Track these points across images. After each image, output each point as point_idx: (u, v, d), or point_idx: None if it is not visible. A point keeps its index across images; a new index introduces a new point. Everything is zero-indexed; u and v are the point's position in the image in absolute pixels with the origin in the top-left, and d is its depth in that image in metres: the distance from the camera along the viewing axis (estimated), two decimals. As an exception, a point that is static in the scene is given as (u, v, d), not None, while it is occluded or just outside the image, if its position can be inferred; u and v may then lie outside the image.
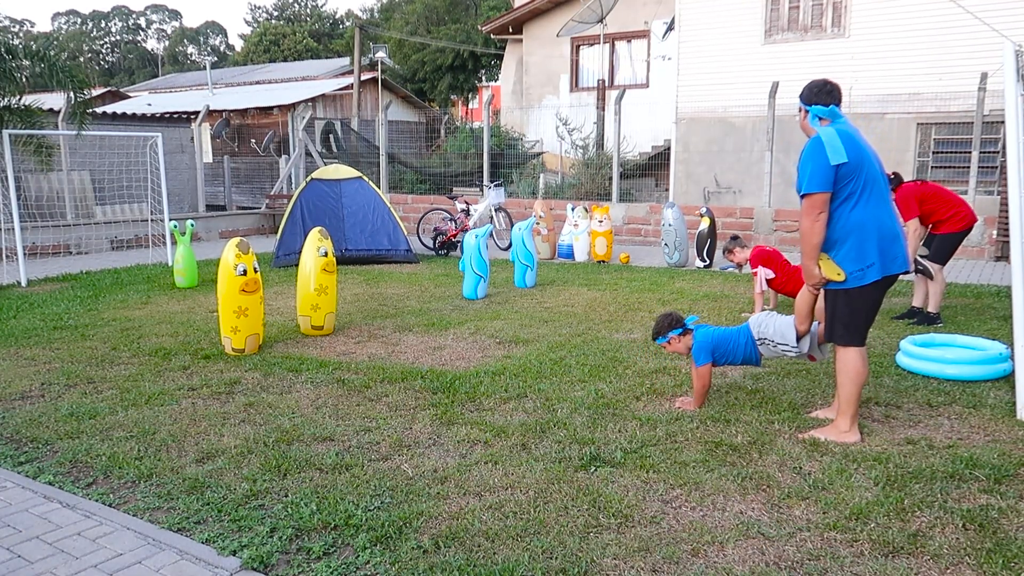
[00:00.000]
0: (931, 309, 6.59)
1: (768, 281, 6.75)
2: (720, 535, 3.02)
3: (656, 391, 4.79)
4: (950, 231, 6.49)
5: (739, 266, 7.35)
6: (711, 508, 3.25)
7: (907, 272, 4.04)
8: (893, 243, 3.82)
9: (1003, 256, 10.33)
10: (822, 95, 3.94)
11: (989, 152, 11.79)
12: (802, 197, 3.83)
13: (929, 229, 6.60)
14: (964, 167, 11.79)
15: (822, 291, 4.00)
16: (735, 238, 7.42)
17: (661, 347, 4.64)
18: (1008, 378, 4.84)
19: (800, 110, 4.06)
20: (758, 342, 4.34)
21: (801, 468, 3.61)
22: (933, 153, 12.77)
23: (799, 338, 4.17)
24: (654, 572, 2.78)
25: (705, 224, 10.12)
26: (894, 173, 6.66)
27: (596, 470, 3.61)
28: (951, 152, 12.55)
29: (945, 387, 4.78)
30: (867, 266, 3.77)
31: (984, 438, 3.98)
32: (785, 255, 7.12)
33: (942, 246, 6.57)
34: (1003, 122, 5.05)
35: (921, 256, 6.58)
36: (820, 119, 3.94)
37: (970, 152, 11.24)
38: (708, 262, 10.08)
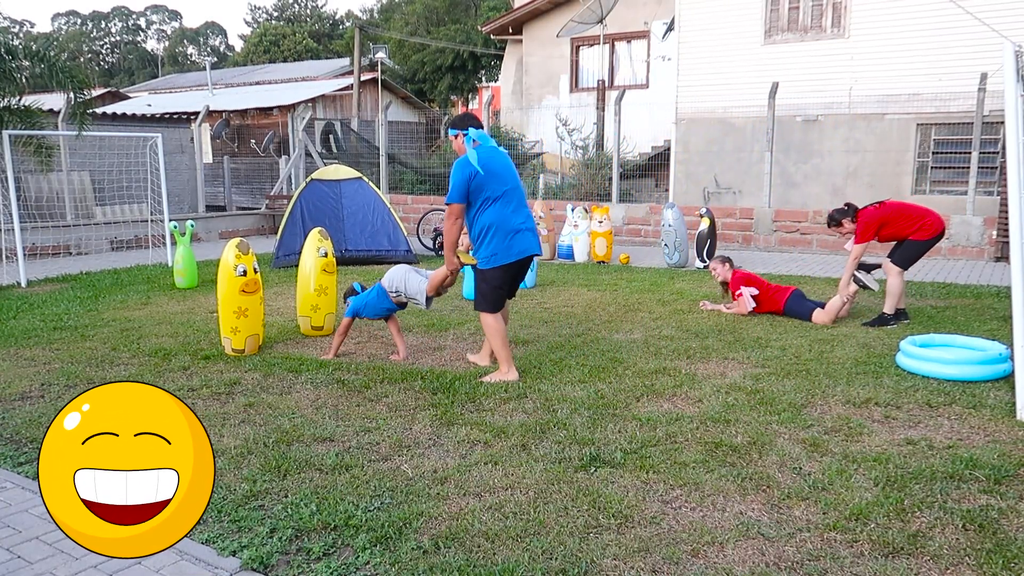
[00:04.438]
0: (885, 310, 6.59)
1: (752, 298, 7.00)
2: (720, 535, 3.02)
3: (656, 391, 4.79)
4: (920, 239, 6.50)
5: (724, 286, 7.33)
6: (711, 508, 3.25)
7: (537, 255, 5.13)
8: (513, 237, 4.93)
9: (1003, 256, 10.33)
10: (470, 121, 5.08)
11: (989, 152, 11.79)
12: (447, 205, 4.97)
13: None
14: (964, 167, 11.79)
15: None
16: (726, 257, 7.44)
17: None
18: (1008, 378, 4.84)
19: (454, 136, 5.11)
20: (393, 293, 5.52)
21: (801, 468, 3.61)
22: (933, 154, 12.77)
23: (428, 299, 5.45)
24: (654, 572, 2.78)
25: (705, 224, 10.12)
26: (847, 204, 6.82)
27: (596, 470, 3.61)
28: (951, 152, 12.54)
29: (945, 387, 4.78)
30: (492, 254, 4.94)
31: (984, 438, 3.98)
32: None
33: (908, 251, 6.54)
34: (1003, 122, 5.04)
35: (869, 266, 6.69)
36: (474, 140, 4.98)
37: (970, 152, 11.24)
38: (708, 263, 10.08)
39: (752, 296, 6.91)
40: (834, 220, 6.78)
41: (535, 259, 8.85)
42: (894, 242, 6.62)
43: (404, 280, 5.52)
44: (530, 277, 8.78)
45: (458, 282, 8.82)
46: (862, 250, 6.51)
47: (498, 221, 4.91)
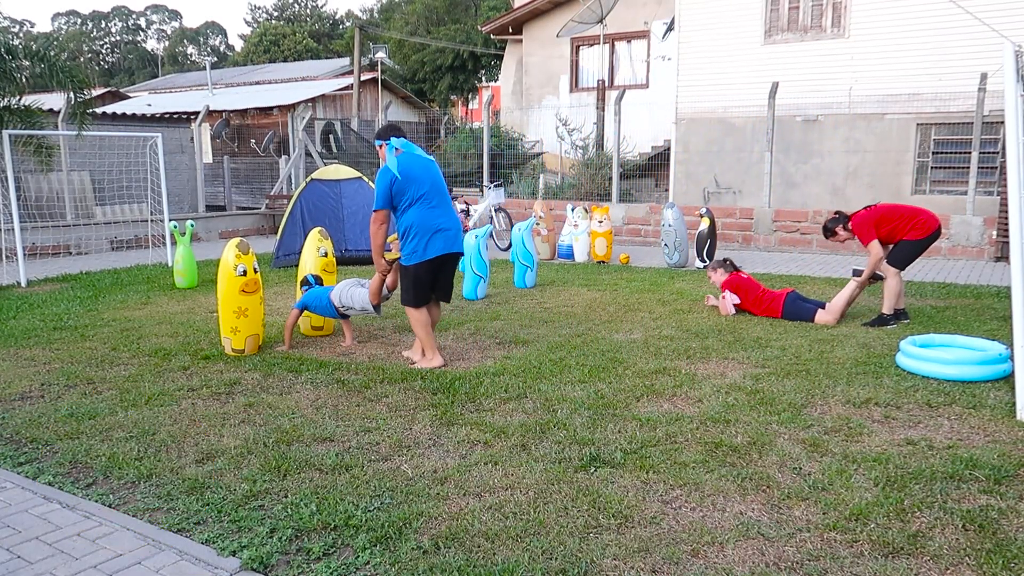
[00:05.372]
0: (884, 310, 6.60)
1: (736, 304, 7.12)
2: (720, 535, 3.02)
3: (656, 391, 4.79)
4: (914, 238, 6.51)
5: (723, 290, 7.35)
6: (711, 508, 3.25)
7: (460, 253, 5.45)
8: (432, 235, 5.28)
9: (1003, 256, 10.33)
10: (393, 131, 5.43)
11: (989, 152, 11.78)
12: (374, 211, 5.32)
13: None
14: (964, 167, 11.79)
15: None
16: (725, 260, 7.46)
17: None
18: (1008, 378, 4.84)
19: (379, 147, 5.44)
20: (342, 308, 5.90)
21: (801, 468, 3.61)
22: (933, 153, 12.77)
23: (376, 306, 5.79)
24: (654, 572, 2.78)
25: (705, 224, 10.12)
26: (837, 212, 6.89)
27: (596, 470, 3.61)
28: (951, 152, 12.54)
29: (945, 387, 4.78)
30: (412, 252, 5.30)
31: (984, 438, 3.98)
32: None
33: (903, 251, 6.55)
34: (1003, 122, 5.04)
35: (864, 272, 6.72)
36: (396, 149, 5.31)
37: (970, 152, 11.23)
38: (708, 263, 10.08)
39: (733, 304, 7.04)
40: (828, 230, 6.88)
41: (536, 258, 8.95)
42: (891, 244, 6.64)
43: (349, 296, 5.85)
44: (530, 277, 8.78)
45: (457, 283, 8.82)
46: (878, 246, 6.50)
47: (417, 221, 5.26)
